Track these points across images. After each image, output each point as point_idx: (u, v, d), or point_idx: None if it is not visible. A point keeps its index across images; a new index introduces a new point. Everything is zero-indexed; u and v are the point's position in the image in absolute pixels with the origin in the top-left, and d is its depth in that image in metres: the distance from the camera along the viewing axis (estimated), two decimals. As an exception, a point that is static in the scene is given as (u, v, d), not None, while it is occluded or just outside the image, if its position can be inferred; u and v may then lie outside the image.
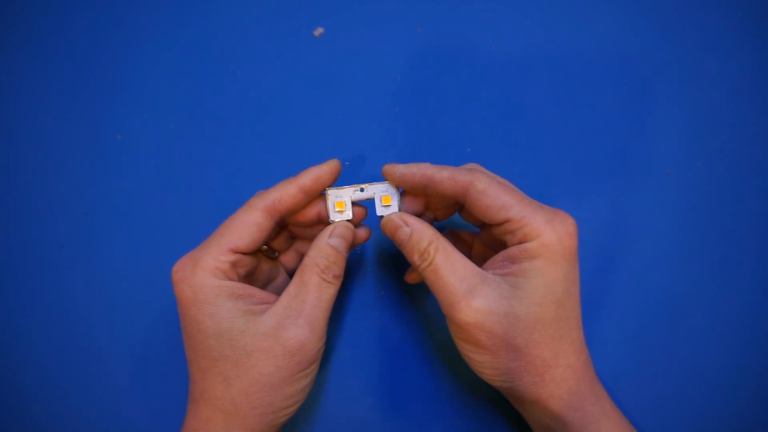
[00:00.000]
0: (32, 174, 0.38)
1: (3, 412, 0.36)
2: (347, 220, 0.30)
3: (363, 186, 0.30)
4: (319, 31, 0.39)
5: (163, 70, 0.39)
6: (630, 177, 0.37)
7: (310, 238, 0.33)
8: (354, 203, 0.31)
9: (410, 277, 0.34)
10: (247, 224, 0.28)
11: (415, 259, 0.28)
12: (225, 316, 0.27)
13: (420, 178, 0.29)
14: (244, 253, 0.29)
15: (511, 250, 0.27)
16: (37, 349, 0.37)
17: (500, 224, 0.28)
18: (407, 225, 0.29)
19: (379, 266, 0.37)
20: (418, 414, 0.35)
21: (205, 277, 0.27)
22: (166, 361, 0.36)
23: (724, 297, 0.36)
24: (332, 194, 0.30)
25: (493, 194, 0.27)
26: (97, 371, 0.36)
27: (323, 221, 0.31)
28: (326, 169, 0.30)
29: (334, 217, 0.30)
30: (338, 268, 0.29)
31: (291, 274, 0.35)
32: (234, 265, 0.28)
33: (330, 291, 0.29)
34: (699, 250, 0.36)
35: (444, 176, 0.28)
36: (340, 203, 0.30)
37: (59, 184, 0.38)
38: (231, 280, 0.28)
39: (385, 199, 0.30)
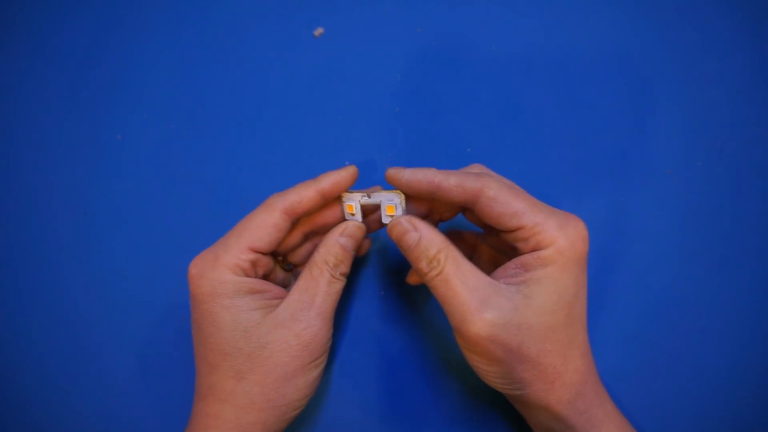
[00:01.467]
0: (32, 174, 0.38)
1: (3, 412, 0.36)
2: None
3: (370, 193, 0.31)
4: (319, 31, 0.39)
5: (163, 70, 0.39)
6: (630, 177, 0.37)
7: None
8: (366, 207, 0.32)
9: (413, 279, 0.34)
10: (267, 225, 0.29)
11: (422, 266, 0.27)
12: (243, 308, 0.28)
13: (427, 186, 0.28)
14: (263, 253, 0.29)
15: (525, 258, 0.27)
16: (37, 349, 0.37)
17: (512, 231, 0.27)
18: (416, 230, 0.28)
19: (380, 266, 0.37)
20: (418, 414, 0.35)
21: (226, 273, 0.28)
22: (166, 361, 0.36)
23: (724, 297, 0.36)
24: (347, 199, 0.31)
25: (505, 201, 0.27)
26: (98, 371, 0.36)
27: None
28: (345, 174, 0.30)
29: (347, 218, 0.32)
30: (346, 266, 0.30)
31: None
32: (254, 264, 0.29)
33: (338, 286, 0.30)
34: (699, 250, 0.36)
35: (452, 183, 0.28)
36: (350, 206, 0.31)
37: (59, 184, 0.38)
38: (250, 277, 0.29)
39: (389, 209, 0.30)
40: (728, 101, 0.38)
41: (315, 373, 0.29)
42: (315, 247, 0.34)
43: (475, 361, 0.28)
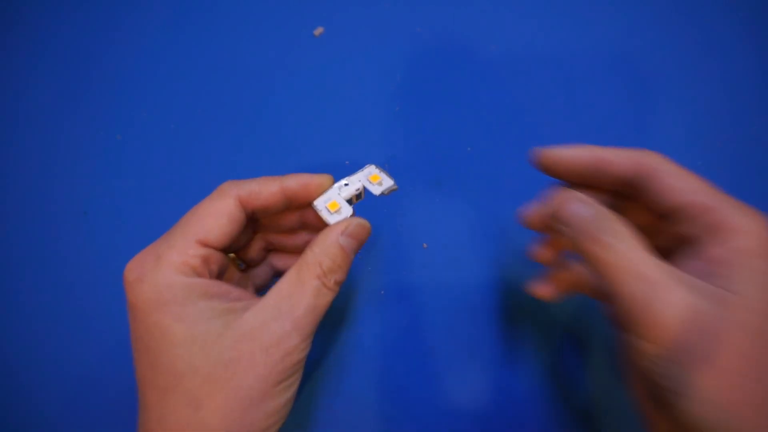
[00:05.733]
0: (32, 174, 0.38)
1: (2, 412, 0.36)
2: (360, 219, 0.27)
3: (345, 180, 0.28)
4: (319, 31, 0.40)
5: (163, 70, 0.39)
6: (630, 177, 0.37)
7: (289, 250, 0.30)
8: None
9: (542, 290, 0.28)
10: (218, 213, 0.24)
11: (595, 248, 0.21)
12: (199, 318, 0.22)
13: (589, 159, 0.24)
14: (215, 248, 0.24)
15: (714, 252, 0.21)
16: (36, 349, 0.37)
17: (684, 212, 0.22)
18: (589, 203, 0.22)
19: (379, 266, 0.37)
20: (417, 413, 0.35)
21: (172, 274, 0.23)
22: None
23: (724, 297, 0.36)
24: (320, 201, 0.27)
25: (679, 175, 0.22)
26: (97, 371, 0.36)
27: (307, 227, 0.29)
28: (317, 180, 0.26)
29: (332, 219, 0.27)
30: (343, 274, 0.25)
31: (260, 292, 0.30)
32: (206, 260, 0.24)
33: (327, 298, 0.24)
34: (699, 250, 0.36)
35: (616, 155, 0.23)
36: (333, 203, 0.27)
37: (59, 184, 0.38)
38: (202, 277, 0.23)
39: (374, 178, 0.27)
40: (728, 101, 0.38)
41: (286, 395, 0.24)
42: (264, 243, 0.29)
43: (668, 373, 0.20)
